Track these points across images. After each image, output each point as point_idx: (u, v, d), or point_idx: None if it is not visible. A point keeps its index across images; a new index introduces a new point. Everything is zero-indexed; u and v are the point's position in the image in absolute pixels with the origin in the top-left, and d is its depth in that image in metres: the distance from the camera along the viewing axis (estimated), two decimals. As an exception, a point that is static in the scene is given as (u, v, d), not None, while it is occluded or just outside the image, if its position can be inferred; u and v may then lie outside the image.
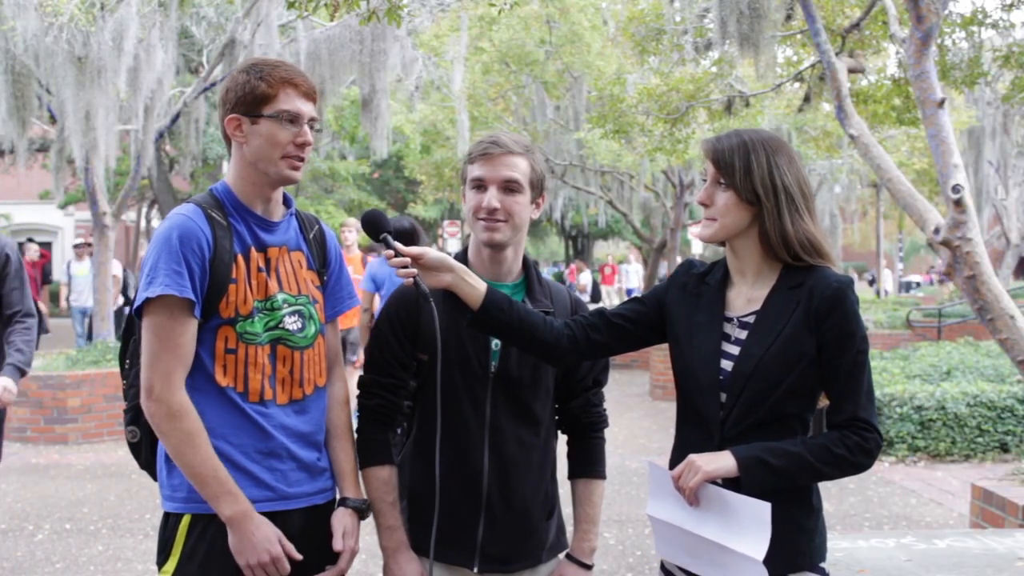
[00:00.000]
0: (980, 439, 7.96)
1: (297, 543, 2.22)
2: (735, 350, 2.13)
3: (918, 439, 8.03)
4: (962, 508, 6.41)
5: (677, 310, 2.25)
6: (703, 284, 2.24)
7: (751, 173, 2.09)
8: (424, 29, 15.79)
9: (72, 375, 9.06)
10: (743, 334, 2.13)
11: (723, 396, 2.12)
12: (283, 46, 13.32)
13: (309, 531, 2.27)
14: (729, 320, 2.17)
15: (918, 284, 34.99)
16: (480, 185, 2.31)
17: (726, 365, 2.13)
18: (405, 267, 2.18)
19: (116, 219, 13.16)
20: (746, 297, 2.17)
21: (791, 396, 2.07)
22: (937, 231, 6.14)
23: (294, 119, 2.20)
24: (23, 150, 13.81)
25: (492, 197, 2.29)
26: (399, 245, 2.20)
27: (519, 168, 2.31)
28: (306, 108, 2.22)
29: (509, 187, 2.30)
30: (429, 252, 2.20)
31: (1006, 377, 8.88)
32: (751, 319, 2.13)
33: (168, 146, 20.68)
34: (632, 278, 29.63)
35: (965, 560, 3.49)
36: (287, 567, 2.15)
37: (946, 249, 6.06)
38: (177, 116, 13.57)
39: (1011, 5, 9.68)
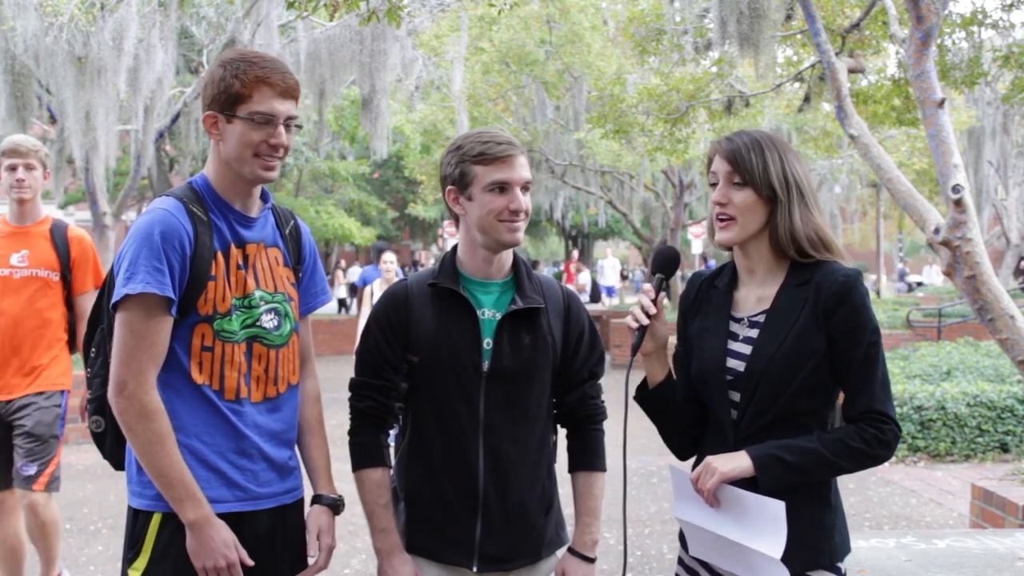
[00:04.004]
0: (980, 439, 7.96)
1: (265, 543, 2.22)
2: (746, 349, 2.13)
3: (918, 439, 8.02)
4: (962, 508, 6.41)
5: (691, 321, 2.27)
6: (712, 288, 2.25)
7: (768, 170, 2.10)
8: (424, 29, 15.78)
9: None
10: (754, 333, 2.13)
11: (736, 396, 2.13)
12: (283, 46, 13.31)
13: (277, 530, 2.27)
14: (739, 320, 2.18)
15: (919, 284, 34.94)
16: (502, 187, 2.27)
17: (737, 365, 2.13)
18: (647, 314, 2.16)
19: (116, 219, 13.16)
20: (756, 296, 2.18)
21: (804, 393, 2.08)
22: (937, 231, 6.14)
23: (268, 120, 2.16)
24: (23, 150, 13.77)
25: (522, 199, 2.28)
26: (662, 296, 2.19)
27: (528, 166, 2.33)
28: (282, 107, 2.18)
29: (527, 187, 2.31)
30: (663, 318, 2.20)
31: (1006, 377, 8.87)
32: (761, 318, 2.14)
33: (168, 146, 20.67)
34: (609, 275, 28.51)
35: (965, 560, 3.49)
36: (240, 573, 2.15)
37: (946, 249, 6.06)
38: (177, 116, 13.57)
39: (1011, 5, 9.68)
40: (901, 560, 3.48)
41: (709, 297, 2.24)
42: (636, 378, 2.27)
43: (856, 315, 2.06)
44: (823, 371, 2.07)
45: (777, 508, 1.99)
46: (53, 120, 14.21)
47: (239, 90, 2.15)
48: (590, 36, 15.41)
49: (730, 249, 2.22)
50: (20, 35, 10.86)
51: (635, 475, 7.69)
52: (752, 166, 2.10)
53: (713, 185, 2.18)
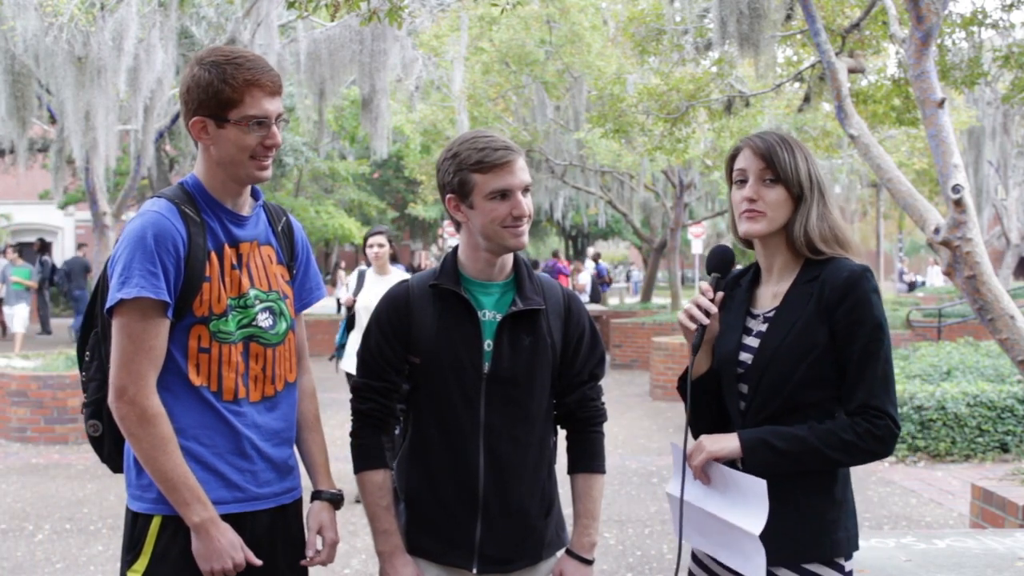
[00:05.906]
0: (980, 439, 7.95)
1: (264, 543, 2.22)
2: (756, 343, 2.19)
3: (918, 439, 8.02)
4: (962, 508, 6.41)
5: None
6: (737, 286, 2.31)
7: (798, 168, 2.16)
8: (424, 29, 15.78)
9: (72, 375, 9.05)
10: (764, 327, 2.19)
11: (745, 388, 2.19)
12: (283, 46, 13.32)
13: (277, 530, 2.26)
14: (755, 316, 2.24)
15: (922, 283, 34.89)
16: (504, 194, 2.25)
17: (747, 358, 2.19)
18: (705, 312, 2.19)
19: (116, 219, 13.17)
20: (772, 293, 2.24)
21: (807, 386, 2.12)
22: (937, 231, 6.14)
23: (262, 123, 2.15)
24: (23, 150, 13.83)
25: (524, 203, 2.27)
26: (720, 295, 2.22)
27: (526, 168, 2.32)
28: (273, 107, 2.16)
29: (527, 189, 2.30)
30: (719, 316, 2.24)
31: (1006, 377, 8.87)
32: (773, 313, 2.19)
33: (168, 146, 20.66)
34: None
35: (965, 560, 3.48)
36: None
37: (946, 249, 6.06)
38: (177, 116, 13.57)
39: (1011, 5, 9.67)
40: (901, 560, 3.47)
41: (734, 295, 2.30)
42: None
43: (857, 310, 2.09)
44: (825, 364, 2.11)
45: (760, 486, 2.04)
46: (53, 120, 14.22)
47: (229, 95, 2.11)
48: (590, 36, 15.42)
49: (751, 247, 2.27)
50: (20, 35, 10.87)
51: (635, 475, 7.69)
52: (785, 164, 2.16)
53: (740, 182, 2.21)
